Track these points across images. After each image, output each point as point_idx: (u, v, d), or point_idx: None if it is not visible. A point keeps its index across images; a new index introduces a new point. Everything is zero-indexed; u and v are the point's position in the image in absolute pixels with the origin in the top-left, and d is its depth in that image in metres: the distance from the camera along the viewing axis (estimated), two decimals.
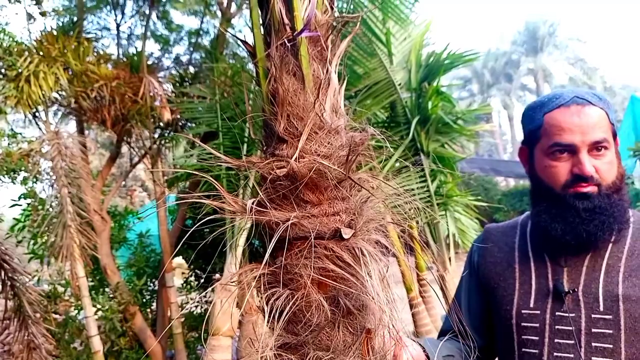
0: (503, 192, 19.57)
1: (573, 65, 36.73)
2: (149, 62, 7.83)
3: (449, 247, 4.81)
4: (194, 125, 6.75)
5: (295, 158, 1.06)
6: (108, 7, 7.74)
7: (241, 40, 1.19)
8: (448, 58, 4.60)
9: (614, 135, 1.41)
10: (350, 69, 4.42)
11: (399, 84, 4.73)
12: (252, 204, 1.05)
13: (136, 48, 8.46)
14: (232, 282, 1.06)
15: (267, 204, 1.06)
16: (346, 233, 1.01)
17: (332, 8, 1.19)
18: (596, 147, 1.33)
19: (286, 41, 1.11)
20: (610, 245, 1.39)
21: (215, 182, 1.23)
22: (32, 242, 6.45)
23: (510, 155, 40.53)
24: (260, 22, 1.17)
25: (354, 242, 1.02)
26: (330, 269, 1.00)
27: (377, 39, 4.63)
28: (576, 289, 1.37)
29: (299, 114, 1.10)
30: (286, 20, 1.11)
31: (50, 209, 5.52)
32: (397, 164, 4.43)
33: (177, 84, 7.20)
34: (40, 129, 6.61)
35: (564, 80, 39.86)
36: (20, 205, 6.70)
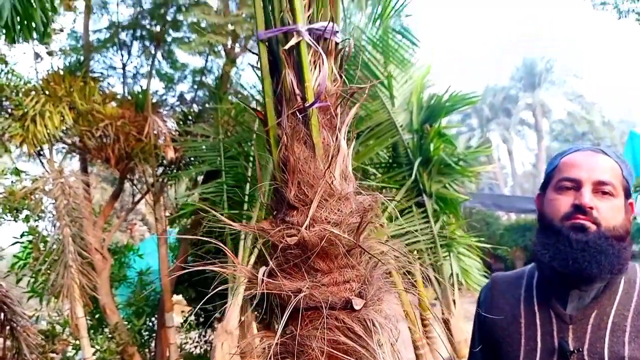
0: (505, 226, 19.48)
1: (571, 101, 37.21)
2: (154, 100, 7.96)
3: (453, 286, 4.76)
4: (197, 163, 6.80)
5: (306, 226, 1.07)
6: (115, 47, 7.90)
7: (253, 109, 1.22)
8: (449, 100, 4.67)
9: (627, 194, 1.43)
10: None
11: (401, 125, 4.79)
12: (263, 274, 1.05)
13: (141, 87, 8.61)
14: (240, 351, 1.06)
15: (278, 273, 1.06)
16: (357, 304, 1.01)
17: (340, 77, 1.22)
18: (602, 189, 1.36)
19: (297, 111, 1.14)
20: (616, 303, 1.39)
21: (221, 245, 1.23)
22: (32, 279, 6.40)
23: (511, 189, 40.55)
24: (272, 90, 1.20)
25: (365, 313, 1.02)
26: (341, 341, 0.99)
27: (376, 78, 4.72)
28: (581, 349, 1.36)
29: (310, 181, 1.12)
30: (297, 91, 1.14)
31: (52, 247, 5.50)
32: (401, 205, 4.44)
33: (181, 123, 7.29)
34: (44, 166, 6.66)
35: (562, 115, 40.28)
36: (22, 242, 6.69)
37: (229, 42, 7.70)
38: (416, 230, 4.43)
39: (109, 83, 8.11)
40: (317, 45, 1.07)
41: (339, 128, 1.19)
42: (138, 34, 8.19)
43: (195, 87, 8.82)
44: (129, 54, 8.09)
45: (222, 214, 4.97)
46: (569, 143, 39.59)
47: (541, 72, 37.90)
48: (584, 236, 1.34)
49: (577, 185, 1.38)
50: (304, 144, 1.15)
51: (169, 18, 8.03)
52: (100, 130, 6.25)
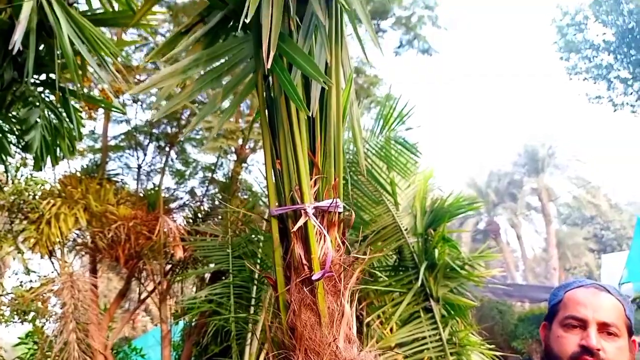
0: (519, 315, 18.86)
1: (576, 185, 37.47)
2: (165, 195, 8.21)
3: None
4: (205, 262, 6.87)
5: None
6: (131, 148, 8.28)
7: (265, 275, 1.33)
8: (451, 205, 4.82)
9: (630, 332, 1.50)
10: (357, 215, 4.61)
11: (406, 229, 4.90)
12: None
13: (154, 184, 8.90)
14: None
15: None
16: None
17: (343, 243, 1.35)
18: (606, 330, 1.42)
19: (305, 280, 1.25)
20: None
21: None
22: None
23: (523, 273, 39.73)
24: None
25: None
26: None
27: (382, 187, 4.91)
28: None
29: (316, 348, 1.20)
30: (304, 261, 1.26)
31: (57, 352, 5.44)
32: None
33: (191, 221, 7.46)
34: (54, 266, 6.75)
35: (568, 198, 40.36)
36: (27, 343, 6.61)
37: (240, 142, 8.07)
38: (424, 337, 4.38)
39: (123, 181, 8.41)
40: (321, 226, 1.20)
41: (343, 293, 1.29)
42: (153, 135, 8.62)
43: (206, 183, 9.10)
44: (145, 154, 8.47)
45: (228, 317, 4.93)
46: (578, 227, 39.36)
47: (544, 157, 38.57)
48: None
49: (583, 325, 1.44)
50: (310, 310, 1.25)
51: (182, 121, 8.49)
52: (112, 231, 6.40)
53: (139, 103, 8.27)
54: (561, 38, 16.09)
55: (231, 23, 1.45)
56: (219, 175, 9.42)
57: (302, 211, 1.22)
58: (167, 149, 8.84)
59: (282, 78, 1.25)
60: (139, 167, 8.44)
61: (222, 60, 1.43)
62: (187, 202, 9.31)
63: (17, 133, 3.03)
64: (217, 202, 8.41)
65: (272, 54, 1.11)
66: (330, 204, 1.21)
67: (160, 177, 8.56)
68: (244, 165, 8.71)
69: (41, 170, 3.18)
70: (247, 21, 1.10)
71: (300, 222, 1.19)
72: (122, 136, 8.39)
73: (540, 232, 42.70)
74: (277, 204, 1.29)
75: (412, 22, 8.36)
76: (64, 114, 2.90)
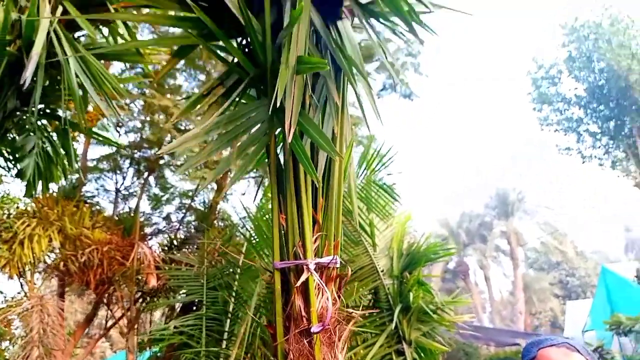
0: (485, 358, 18.96)
1: (544, 231, 38.37)
2: (141, 219, 8.13)
3: None
4: (178, 291, 6.79)
5: None
6: (110, 172, 8.24)
7: (265, 325, 1.42)
8: (427, 250, 4.96)
9: None
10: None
11: (382, 271, 5.01)
12: None
13: (130, 208, 8.82)
14: None
15: None
16: None
17: (339, 297, 1.45)
18: None
19: (303, 331, 1.33)
20: None
21: None
22: None
23: (490, 315, 40.04)
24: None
25: None
26: None
27: (361, 228, 5.03)
28: None
29: None
30: (304, 313, 1.35)
31: None
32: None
33: (166, 249, 7.40)
34: (22, 288, 6.58)
35: (535, 243, 41.21)
36: None
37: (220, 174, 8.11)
38: None
39: (99, 204, 8.33)
40: (321, 281, 1.30)
41: (337, 344, 1.38)
42: (134, 159, 8.59)
43: (183, 210, 9.07)
44: (123, 177, 8.43)
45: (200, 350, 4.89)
46: (544, 272, 40.09)
47: (514, 202, 39.48)
48: None
49: None
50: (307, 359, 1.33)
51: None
52: (86, 255, 6.32)
53: (121, 127, 8.29)
54: (535, 90, 16.83)
55: (246, 83, 1.57)
56: (197, 203, 9.40)
57: (305, 266, 1.33)
58: (146, 173, 8.82)
59: (297, 147, 1.37)
60: (117, 190, 8.39)
61: (238, 123, 1.55)
62: (162, 229, 9.24)
63: (9, 157, 3.05)
64: (193, 230, 8.38)
65: (293, 129, 1.23)
66: (331, 260, 1.32)
67: (137, 202, 8.51)
68: (223, 194, 8.73)
69: (32, 196, 3.19)
70: (278, 104, 1.22)
71: (303, 278, 1.29)
72: (102, 158, 8.35)
73: (508, 275, 43.20)
74: (279, 258, 1.38)
75: (395, 68, 8.68)
76: (58, 142, 2.95)
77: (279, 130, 1.54)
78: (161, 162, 8.94)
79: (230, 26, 1.46)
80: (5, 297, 6.43)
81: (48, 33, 2.47)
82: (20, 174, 2.86)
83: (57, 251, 6.41)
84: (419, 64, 8.94)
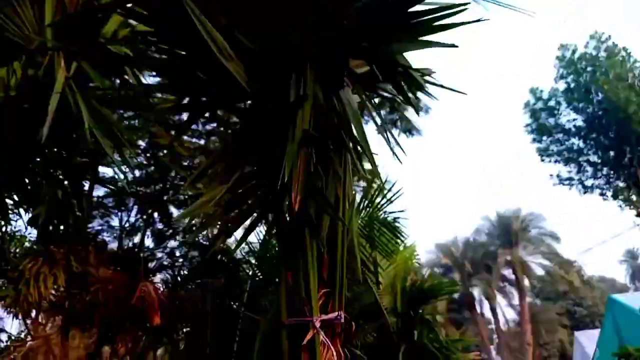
0: None
1: (549, 260, 38.01)
2: (145, 254, 8.17)
3: None
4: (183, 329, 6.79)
5: None
6: (115, 210, 8.32)
7: None
8: (432, 287, 4.98)
9: None
10: None
11: (386, 308, 5.01)
12: None
13: (135, 244, 8.86)
14: None
15: None
16: None
17: (344, 352, 1.50)
18: None
19: None
20: None
21: None
22: None
23: (497, 347, 39.31)
24: None
25: None
26: None
27: (364, 266, 5.06)
28: None
29: None
30: None
31: None
32: None
33: (171, 286, 7.42)
34: (26, 326, 6.59)
35: (541, 272, 40.72)
36: None
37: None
38: None
39: (104, 241, 8.37)
40: (326, 338, 1.36)
41: None
42: (139, 195, 8.68)
43: (187, 247, 9.09)
44: (128, 214, 8.50)
45: None
46: (551, 301, 39.56)
47: (517, 230, 39.25)
48: None
49: None
50: None
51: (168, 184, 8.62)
52: (90, 294, 6.34)
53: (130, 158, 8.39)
54: (534, 121, 17.04)
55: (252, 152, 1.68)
56: (201, 238, 9.42)
57: (311, 326, 1.39)
58: (150, 210, 8.89)
59: (302, 214, 1.46)
60: (121, 226, 8.45)
61: (245, 189, 1.65)
62: (166, 264, 9.25)
63: (20, 203, 3.14)
64: (197, 265, 8.39)
65: (299, 200, 1.32)
66: (336, 316, 1.39)
67: (141, 238, 8.56)
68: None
69: (44, 244, 3.27)
70: (285, 180, 1.32)
71: (309, 335, 1.35)
72: (107, 195, 8.43)
73: (514, 305, 42.55)
74: (287, 316, 1.44)
75: (397, 103, 8.84)
76: (69, 188, 3.05)
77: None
78: (165, 197, 9.02)
79: (235, 94, 1.57)
80: (9, 336, 6.42)
81: (62, 88, 2.59)
82: (32, 222, 2.95)
83: (62, 289, 6.44)
84: (421, 101, 9.10)
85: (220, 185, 1.52)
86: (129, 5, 1.70)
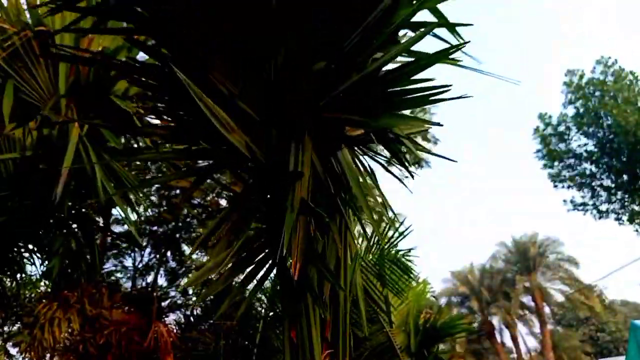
0: None
1: (568, 285, 37.21)
2: (158, 293, 8.19)
3: None
4: None
5: None
6: (129, 251, 8.41)
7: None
8: (445, 324, 4.92)
9: None
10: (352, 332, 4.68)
11: (400, 347, 4.96)
12: None
13: (147, 283, 8.92)
14: None
15: None
16: None
17: None
18: None
19: None
20: None
21: None
22: None
23: None
24: None
25: None
26: None
27: (376, 305, 5.03)
28: None
29: None
30: None
31: None
32: None
33: (184, 326, 7.42)
34: None
35: (560, 298, 39.80)
36: None
37: None
38: None
39: (118, 282, 8.44)
40: None
41: None
42: (152, 235, 8.78)
43: (201, 286, 9.12)
44: (141, 255, 8.59)
45: None
46: (573, 328, 38.55)
47: (535, 256, 38.64)
48: None
49: None
50: None
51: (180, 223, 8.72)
52: (104, 337, 6.36)
53: (140, 205, 8.54)
54: (544, 147, 16.98)
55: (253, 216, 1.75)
56: (214, 276, 9.45)
57: None
58: (163, 249, 8.98)
59: (303, 280, 1.51)
60: (135, 266, 8.52)
61: (248, 252, 1.70)
62: (179, 302, 9.27)
63: (35, 252, 3.22)
64: (209, 304, 8.38)
65: (299, 267, 1.36)
66: None
67: (154, 277, 8.61)
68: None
69: (58, 294, 3.34)
70: (285, 252, 1.37)
71: None
72: (120, 236, 8.54)
73: (535, 333, 41.50)
74: None
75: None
76: (83, 240, 3.13)
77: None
78: (177, 235, 9.12)
79: (238, 160, 1.64)
80: None
81: (76, 145, 2.70)
82: (46, 273, 3.02)
83: (76, 333, 6.46)
84: (428, 132, 9.19)
85: (227, 244, 1.57)
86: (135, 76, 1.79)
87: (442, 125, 1.44)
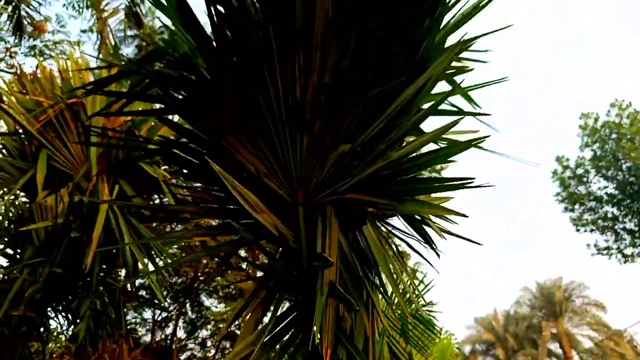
0: None
1: (597, 332, 35.83)
2: (177, 345, 8.13)
3: None
4: None
5: None
6: (148, 305, 8.42)
7: None
8: None
9: None
10: None
11: None
12: None
13: (166, 335, 8.87)
14: None
15: None
16: None
17: None
18: None
19: None
20: None
21: None
22: None
23: None
24: None
25: None
26: None
27: None
28: None
29: None
30: None
31: None
32: None
33: None
34: None
35: (589, 344, 38.21)
36: None
37: None
38: None
39: (137, 335, 8.41)
40: None
41: None
42: (172, 288, 8.80)
43: (218, 334, 9.03)
44: (161, 307, 8.58)
45: None
46: None
47: (561, 300, 37.50)
48: None
49: None
50: None
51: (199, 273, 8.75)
52: None
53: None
54: (564, 190, 16.81)
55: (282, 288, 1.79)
56: (234, 327, 9.36)
57: None
58: (182, 299, 8.97)
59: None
60: (154, 319, 8.51)
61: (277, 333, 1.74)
62: (198, 354, 9.17)
63: (62, 313, 3.27)
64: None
65: (329, 352, 1.38)
66: None
67: (174, 329, 8.56)
68: None
69: (79, 351, 3.37)
70: (318, 334, 1.39)
71: None
72: (140, 289, 8.57)
73: None
74: None
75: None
76: (109, 305, 3.18)
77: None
78: (195, 284, 9.12)
79: (264, 238, 1.70)
80: None
81: (106, 213, 2.80)
82: (72, 337, 3.07)
83: None
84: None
85: (255, 323, 1.59)
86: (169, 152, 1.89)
87: (467, 217, 1.48)
